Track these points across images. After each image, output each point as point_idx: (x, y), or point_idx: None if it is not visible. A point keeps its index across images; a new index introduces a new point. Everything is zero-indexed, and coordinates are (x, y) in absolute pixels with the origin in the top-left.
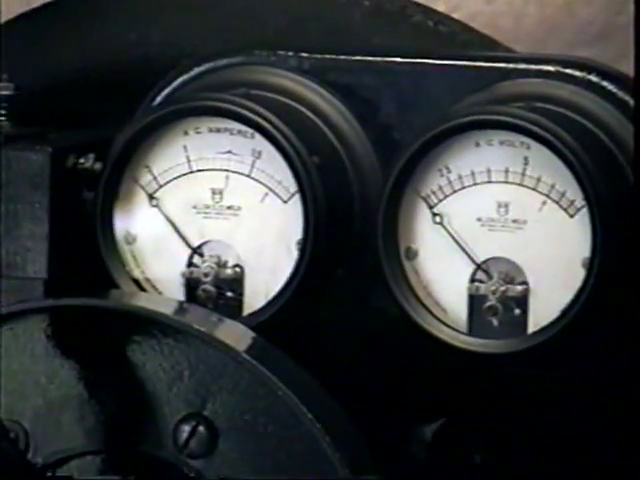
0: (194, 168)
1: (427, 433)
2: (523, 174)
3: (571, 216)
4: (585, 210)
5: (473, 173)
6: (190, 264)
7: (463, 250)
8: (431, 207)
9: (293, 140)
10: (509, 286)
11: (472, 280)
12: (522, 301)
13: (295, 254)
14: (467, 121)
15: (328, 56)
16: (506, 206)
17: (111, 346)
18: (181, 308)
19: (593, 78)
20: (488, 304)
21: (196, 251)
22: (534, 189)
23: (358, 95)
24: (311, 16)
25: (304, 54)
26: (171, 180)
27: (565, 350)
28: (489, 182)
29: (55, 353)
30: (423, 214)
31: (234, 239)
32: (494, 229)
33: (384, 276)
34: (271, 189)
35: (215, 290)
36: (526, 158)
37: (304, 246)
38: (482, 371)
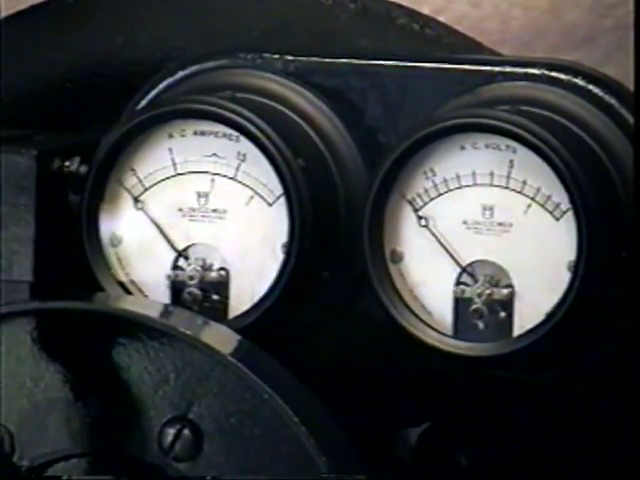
0: (179, 171)
1: (413, 436)
2: (508, 177)
3: (557, 219)
4: (570, 213)
5: (458, 176)
6: (175, 267)
7: (448, 253)
8: (416, 210)
9: (278, 143)
10: (494, 289)
11: (457, 283)
12: (507, 304)
13: (281, 257)
14: (452, 124)
15: (314, 59)
16: (491, 209)
17: (96, 349)
18: (166, 311)
19: (579, 81)
20: (473, 307)
21: (181, 254)
22: (519, 192)
23: (344, 98)
24: (297, 19)
25: (289, 57)
26: (156, 183)
27: (550, 353)
28: (474, 185)
29: (41, 356)
30: (408, 217)
31: (219, 242)
32: (479, 232)
33: (370, 279)
34: (256, 192)
35: (200, 293)
36: (511, 161)
37: (289, 249)
38: (467, 374)
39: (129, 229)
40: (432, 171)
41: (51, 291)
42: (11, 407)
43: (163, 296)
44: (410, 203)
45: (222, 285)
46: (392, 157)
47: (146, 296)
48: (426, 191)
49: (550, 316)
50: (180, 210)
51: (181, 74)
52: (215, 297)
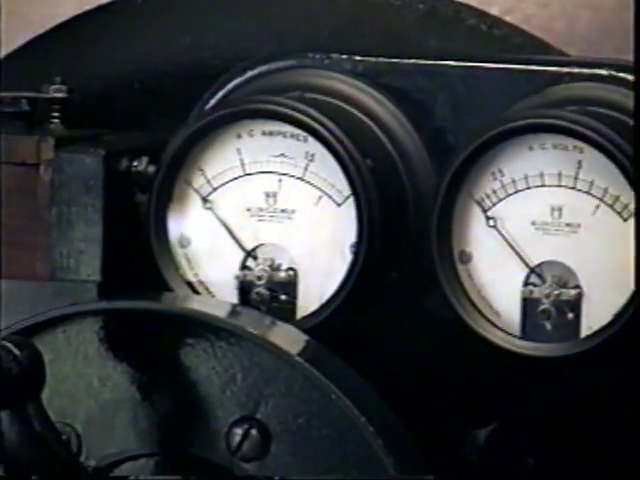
0: (247, 171)
1: (480, 436)
2: (576, 178)
3: (625, 220)
4: None
5: (526, 177)
6: (244, 267)
7: (517, 254)
8: (485, 210)
9: (346, 143)
10: (562, 290)
11: (526, 284)
12: (575, 305)
13: (349, 257)
14: (521, 125)
15: (382, 59)
16: (559, 210)
17: (164, 349)
18: (234, 311)
19: None
20: (541, 308)
21: (250, 254)
22: (587, 193)
23: (412, 98)
24: (365, 19)
25: (358, 57)
26: (225, 183)
27: (618, 354)
28: (542, 186)
29: (108, 356)
30: (477, 217)
31: (288, 242)
32: (548, 233)
33: (438, 279)
34: (325, 192)
35: (269, 293)
36: (579, 162)
37: (358, 249)
38: (535, 374)
39: (197, 229)
40: (500, 172)
41: (119, 291)
42: (78, 407)
43: (231, 296)
44: (478, 204)
45: (290, 285)
46: (460, 157)
47: (214, 296)
48: (494, 192)
49: (617, 317)
50: (248, 210)
51: (250, 74)
52: (283, 297)
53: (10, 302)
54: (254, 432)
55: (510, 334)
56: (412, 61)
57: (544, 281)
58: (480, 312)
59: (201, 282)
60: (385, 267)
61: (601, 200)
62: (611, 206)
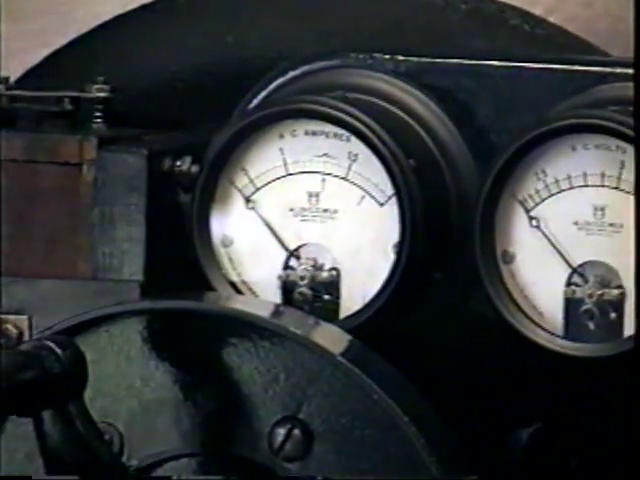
0: (290, 171)
1: (523, 437)
2: (619, 178)
3: None
4: None
5: (569, 177)
6: (287, 267)
7: (560, 254)
8: (528, 210)
9: (389, 143)
10: (605, 290)
11: (568, 284)
12: (618, 305)
13: (392, 257)
14: (564, 125)
15: (425, 59)
16: (602, 210)
17: (207, 349)
18: (277, 311)
19: None
20: (584, 308)
21: (293, 254)
22: (630, 193)
23: (455, 98)
24: (408, 19)
25: (401, 57)
26: (268, 183)
27: None
28: (585, 186)
29: (150, 355)
30: (520, 217)
31: (331, 242)
32: (590, 233)
33: (481, 279)
34: (368, 192)
35: (311, 293)
36: (622, 162)
37: (401, 249)
38: (578, 374)
39: (240, 229)
40: (543, 172)
41: (162, 291)
42: (120, 407)
43: (274, 296)
44: (521, 204)
45: (333, 285)
46: (504, 157)
47: (257, 296)
48: (537, 192)
49: None
50: (291, 210)
51: (292, 74)
52: (326, 297)
53: (52, 302)
54: (297, 432)
55: (553, 334)
56: (455, 61)
57: (587, 281)
58: (523, 312)
59: (244, 282)
60: (428, 267)
61: None
62: None
